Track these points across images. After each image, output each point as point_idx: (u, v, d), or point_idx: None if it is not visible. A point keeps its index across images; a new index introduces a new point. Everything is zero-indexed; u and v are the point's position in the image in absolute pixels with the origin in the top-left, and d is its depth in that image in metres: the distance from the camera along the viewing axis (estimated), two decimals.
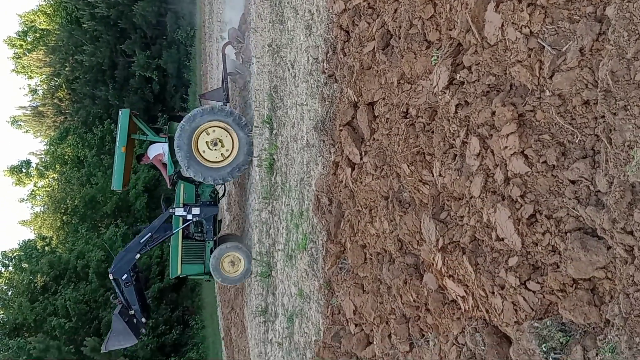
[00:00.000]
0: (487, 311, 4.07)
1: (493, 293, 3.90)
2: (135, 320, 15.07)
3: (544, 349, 3.40)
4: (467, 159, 4.28)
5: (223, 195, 17.33)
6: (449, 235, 4.48)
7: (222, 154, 13.85)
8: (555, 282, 3.42)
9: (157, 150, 15.03)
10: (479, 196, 4.10)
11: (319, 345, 7.75)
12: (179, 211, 14.75)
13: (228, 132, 13.80)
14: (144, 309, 15.32)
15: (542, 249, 3.57)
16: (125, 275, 14.60)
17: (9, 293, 37.00)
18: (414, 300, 5.20)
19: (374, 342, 6.18)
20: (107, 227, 40.29)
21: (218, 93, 15.57)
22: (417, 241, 5.13)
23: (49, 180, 56.13)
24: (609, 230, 3.08)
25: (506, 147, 3.77)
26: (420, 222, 4.93)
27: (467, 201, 4.33)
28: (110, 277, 14.87)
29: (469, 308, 4.30)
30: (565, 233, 3.40)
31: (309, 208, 8.49)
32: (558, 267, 3.44)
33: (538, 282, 3.59)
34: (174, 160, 14.53)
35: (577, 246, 3.24)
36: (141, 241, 14.78)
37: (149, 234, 14.82)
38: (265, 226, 12.14)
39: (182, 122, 13.68)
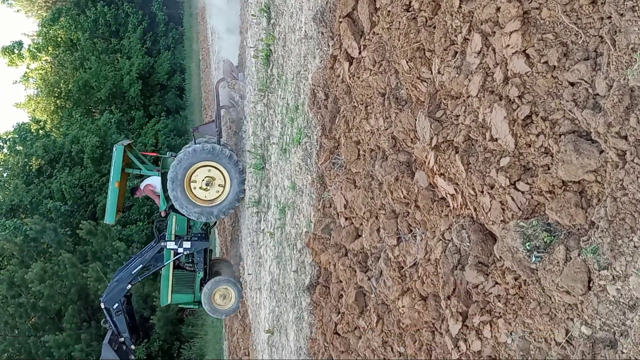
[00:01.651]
0: (475, 209, 4.14)
1: (482, 192, 3.95)
2: (124, 348, 16.09)
3: (528, 247, 3.49)
4: (467, 57, 4.18)
5: (214, 225, 17.70)
6: (443, 133, 4.47)
7: (216, 192, 14.32)
8: (545, 184, 3.45)
9: (148, 181, 15.55)
10: (477, 95, 4.05)
11: (310, 236, 7.94)
12: (171, 244, 15.27)
13: (220, 171, 14.22)
14: (133, 331, 16.31)
15: (534, 150, 3.58)
16: (116, 305, 15.40)
17: (5, 175, 37.34)
18: (404, 197, 5.27)
19: (363, 235, 6.34)
20: (101, 113, 40.05)
21: (211, 127, 15.68)
22: (411, 139, 5.12)
23: (42, 63, 55.04)
24: (603, 134, 3.07)
25: (508, 46, 3.68)
26: (416, 120, 4.90)
27: (464, 100, 4.28)
28: (102, 305, 15.57)
29: (457, 206, 4.37)
30: (560, 135, 3.39)
31: (304, 102, 8.41)
32: (549, 169, 3.46)
33: (527, 183, 3.63)
34: (166, 196, 14.86)
35: (569, 149, 3.24)
36: (133, 272, 15.40)
37: (141, 265, 15.41)
38: (260, 119, 12.09)
39: (171, 167, 14.06)
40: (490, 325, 3.94)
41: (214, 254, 17.56)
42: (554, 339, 3.43)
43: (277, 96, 10.55)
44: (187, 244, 15.30)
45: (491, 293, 3.98)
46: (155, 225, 17.05)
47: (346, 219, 6.92)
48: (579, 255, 3.23)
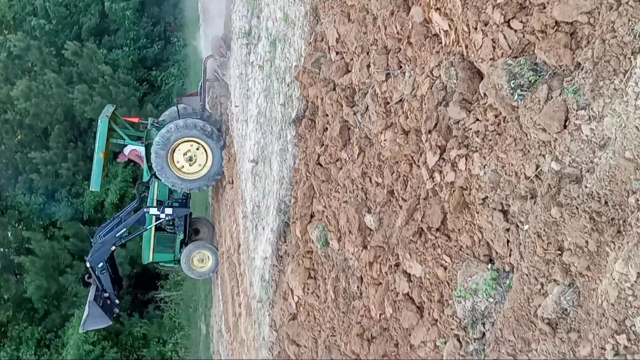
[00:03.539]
0: (466, 47, 4.17)
1: (476, 29, 3.96)
2: (109, 302, 16.99)
3: (512, 85, 3.59)
4: None
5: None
6: None
7: (198, 165, 15.23)
8: (538, 23, 3.47)
9: (132, 147, 16.31)
10: None
11: (299, 69, 7.94)
12: (153, 210, 16.15)
13: (201, 146, 15.04)
14: (116, 282, 17.24)
15: None
16: (101, 264, 16.42)
17: None
18: (398, 32, 5.24)
19: (353, 71, 6.37)
20: None
21: (195, 100, 16.66)
22: None
23: None
24: None
25: None
26: None
27: None
28: (87, 264, 16.57)
29: (449, 42, 4.39)
30: None
31: None
32: (544, 8, 3.46)
33: (521, 22, 3.64)
34: (149, 166, 15.59)
35: None
36: (117, 235, 16.34)
37: (124, 229, 16.39)
38: None
39: (155, 143, 14.78)
40: (466, 159, 4.15)
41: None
42: (524, 173, 3.65)
43: None
44: (169, 210, 16.28)
45: (471, 129, 4.14)
46: (137, 188, 17.91)
47: (337, 53, 6.90)
48: (560, 95, 3.34)
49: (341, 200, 6.65)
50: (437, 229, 4.67)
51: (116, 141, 16.13)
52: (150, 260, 17.30)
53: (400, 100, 5.21)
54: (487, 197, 4.01)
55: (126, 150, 16.94)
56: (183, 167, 15.27)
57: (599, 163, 3.14)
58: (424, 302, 4.94)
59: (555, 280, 3.48)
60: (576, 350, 3.39)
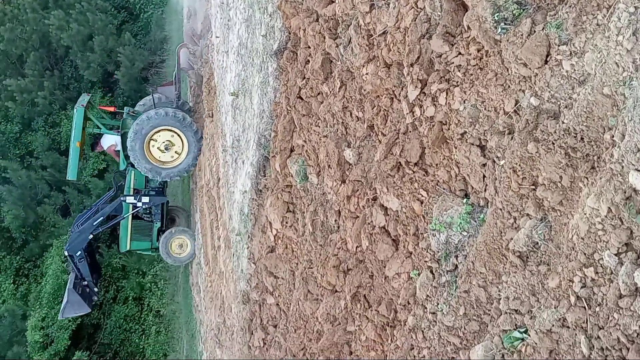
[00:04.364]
0: None
1: None
2: (87, 290, 17.10)
3: (496, 18, 3.55)
4: None
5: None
6: None
7: (174, 154, 15.64)
8: None
9: (110, 141, 16.51)
10: None
11: None
12: (130, 199, 16.49)
13: (177, 134, 15.47)
14: (95, 271, 17.41)
15: None
16: (79, 252, 16.49)
17: None
18: None
19: (336, 1, 6.23)
20: None
21: (171, 89, 16.76)
22: None
23: None
24: None
25: None
26: None
27: None
28: (66, 253, 16.65)
29: None
30: None
31: None
32: None
33: None
34: (125, 155, 15.85)
35: None
36: (94, 224, 16.50)
37: (102, 217, 16.54)
38: None
39: (130, 133, 15.18)
40: (447, 93, 4.13)
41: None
42: (503, 109, 3.66)
43: None
44: (145, 199, 16.57)
45: (453, 63, 4.11)
46: (113, 177, 18.11)
47: None
48: (543, 29, 3.31)
49: (321, 135, 6.63)
50: (415, 164, 4.70)
51: (92, 130, 16.48)
52: (128, 248, 17.52)
53: (384, 32, 5.13)
54: (465, 132, 4.02)
55: (104, 144, 17.00)
56: (160, 157, 15.70)
57: (577, 99, 3.15)
58: (400, 235, 5.03)
59: (528, 215, 3.55)
60: (545, 283, 3.49)
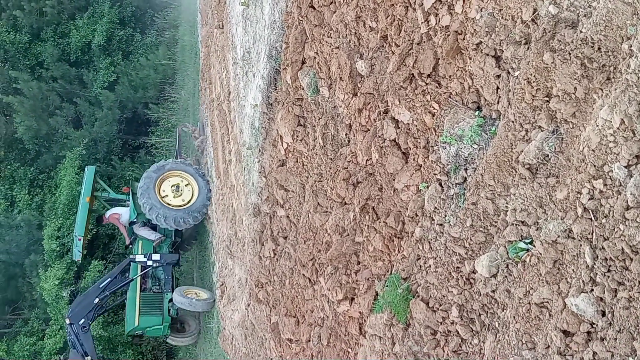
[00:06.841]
0: None
1: None
2: None
3: None
4: None
5: (180, 246, 17.24)
6: None
7: (182, 199, 15.27)
8: None
9: (113, 210, 16.14)
10: None
11: None
12: (139, 257, 15.18)
13: (188, 181, 15.41)
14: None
15: None
16: (82, 320, 14.26)
17: None
18: None
19: None
20: None
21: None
22: None
23: None
24: None
25: None
26: None
27: None
28: (67, 322, 14.39)
29: None
30: None
31: None
32: None
33: None
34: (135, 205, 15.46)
35: None
36: (100, 286, 14.75)
37: (109, 279, 14.88)
38: None
39: (145, 174, 15.17)
40: (463, 1, 4.01)
41: None
42: (521, 17, 3.56)
43: None
44: (156, 256, 15.36)
45: None
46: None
47: None
48: None
49: (333, 46, 6.51)
50: (428, 75, 4.63)
51: (101, 194, 16.57)
52: (136, 324, 15.10)
53: None
54: (481, 42, 3.93)
55: (107, 214, 16.44)
56: (170, 198, 15.25)
57: (596, 7, 3.05)
58: (410, 148, 5.03)
59: (540, 127, 3.53)
60: (553, 195, 3.51)
